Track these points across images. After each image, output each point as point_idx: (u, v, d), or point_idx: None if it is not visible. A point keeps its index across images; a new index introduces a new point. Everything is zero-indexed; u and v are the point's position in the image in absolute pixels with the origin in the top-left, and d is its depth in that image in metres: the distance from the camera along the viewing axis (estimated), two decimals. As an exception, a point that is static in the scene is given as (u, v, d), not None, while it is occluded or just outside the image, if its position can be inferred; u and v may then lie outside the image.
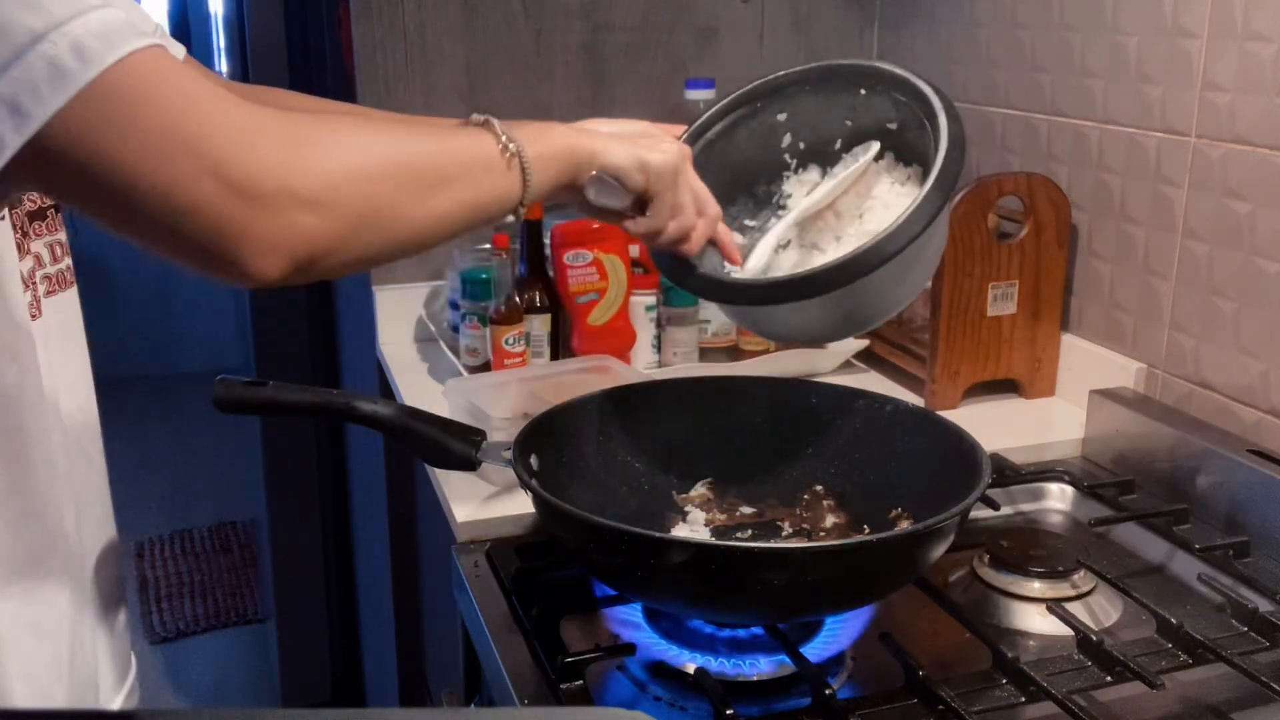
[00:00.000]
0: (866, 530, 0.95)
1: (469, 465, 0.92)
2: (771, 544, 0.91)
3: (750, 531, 0.99)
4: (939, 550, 0.80)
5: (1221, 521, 1.04)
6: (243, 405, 0.93)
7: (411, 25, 1.51)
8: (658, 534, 0.88)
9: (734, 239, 0.91)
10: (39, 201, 0.72)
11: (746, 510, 1.01)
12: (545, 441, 0.92)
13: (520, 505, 1.03)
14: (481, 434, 0.93)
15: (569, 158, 0.78)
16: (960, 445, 0.89)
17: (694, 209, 0.84)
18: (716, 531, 0.98)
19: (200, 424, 3.81)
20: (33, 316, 0.70)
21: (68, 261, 0.76)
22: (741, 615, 0.83)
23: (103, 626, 0.77)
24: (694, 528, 0.98)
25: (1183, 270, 1.16)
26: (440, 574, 1.24)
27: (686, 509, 1.00)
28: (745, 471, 1.01)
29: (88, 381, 0.78)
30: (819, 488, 1.00)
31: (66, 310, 0.75)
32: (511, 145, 0.73)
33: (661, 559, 0.75)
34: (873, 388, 1.20)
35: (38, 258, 0.72)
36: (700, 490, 1.01)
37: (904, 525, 0.91)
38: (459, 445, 0.91)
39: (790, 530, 0.99)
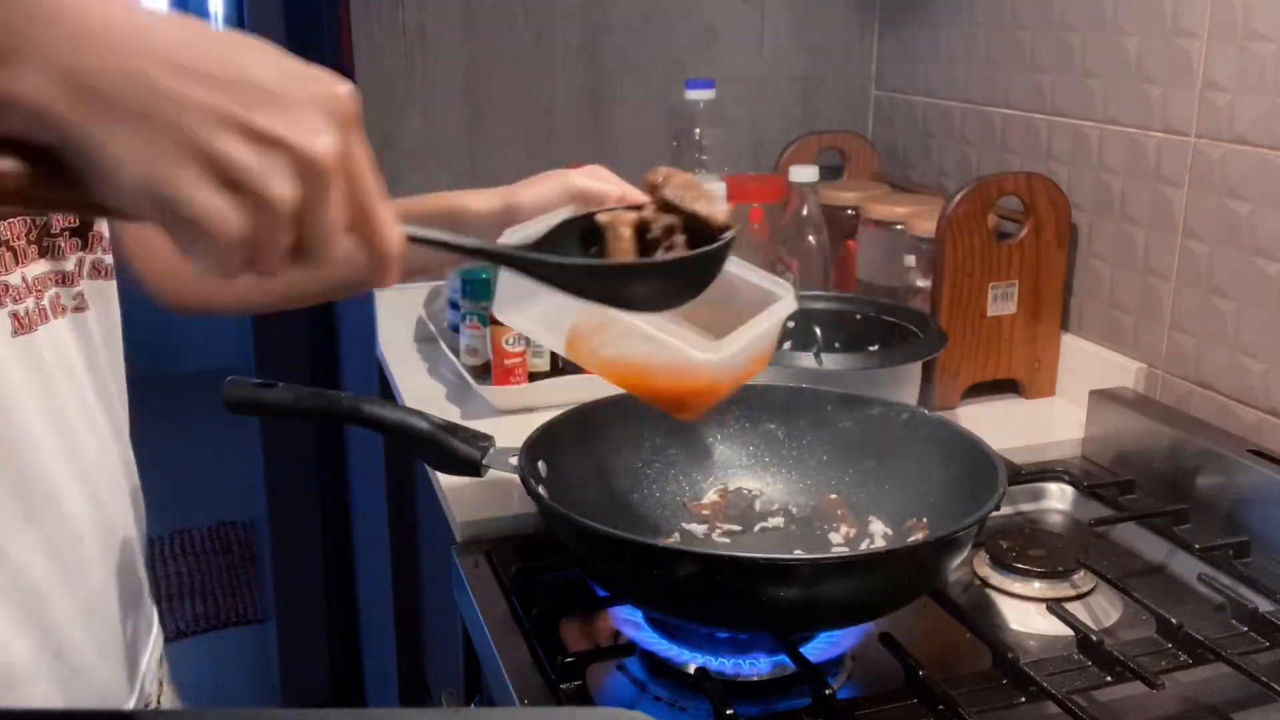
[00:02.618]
0: (881, 541, 0.95)
1: (474, 470, 0.91)
2: (780, 555, 0.91)
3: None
4: (954, 561, 0.80)
5: (1221, 521, 1.04)
6: (251, 406, 0.93)
7: (411, 25, 1.51)
8: (662, 544, 0.88)
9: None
10: None
11: (759, 518, 1.00)
12: (554, 448, 0.91)
13: (520, 505, 1.03)
14: (489, 439, 0.93)
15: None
16: (975, 453, 0.89)
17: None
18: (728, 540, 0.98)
19: (200, 424, 3.81)
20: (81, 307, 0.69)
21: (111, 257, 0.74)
22: (750, 627, 0.83)
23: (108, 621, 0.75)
24: (705, 536, 0.98)
25: (1183, 270, 1.16)
26: (440, 574, 1.24)
27: (697, 516, 1.00)
28: (758, 479, 1.01)
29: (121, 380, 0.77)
30: (834, 496, 0.99)
31: (109, 299, 0.74)
32: None
33: (668, 569, 0.75)
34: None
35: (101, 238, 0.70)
36: (712, 498, 1.01)
37: (919, 535, 0.90)
38: (465, 450, 0.91)
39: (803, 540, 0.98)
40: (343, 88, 0.46)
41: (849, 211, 1.47)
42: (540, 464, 0.88)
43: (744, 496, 1.01)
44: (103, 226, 0.73)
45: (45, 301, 0.67)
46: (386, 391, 1.49)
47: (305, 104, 0.44)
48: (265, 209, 0.43)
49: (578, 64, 1.59)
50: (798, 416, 1.02)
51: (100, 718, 0.72)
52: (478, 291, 1.33)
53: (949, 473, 0.91)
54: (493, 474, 0.99)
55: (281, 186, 0.43)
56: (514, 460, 0.87)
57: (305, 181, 0.44)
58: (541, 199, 0.90)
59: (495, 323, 1.29)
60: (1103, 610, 0.92)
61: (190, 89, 0.42)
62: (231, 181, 0.43)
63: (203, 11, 3.52)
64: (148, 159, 0.42)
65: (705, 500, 1.01)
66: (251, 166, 0.43)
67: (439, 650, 1.46)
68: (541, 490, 0.83)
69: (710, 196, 0.76)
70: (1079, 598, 0.92)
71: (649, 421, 1.00)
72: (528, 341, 1.31)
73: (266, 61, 0.45)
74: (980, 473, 0.86)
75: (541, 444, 0.90)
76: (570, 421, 0.96)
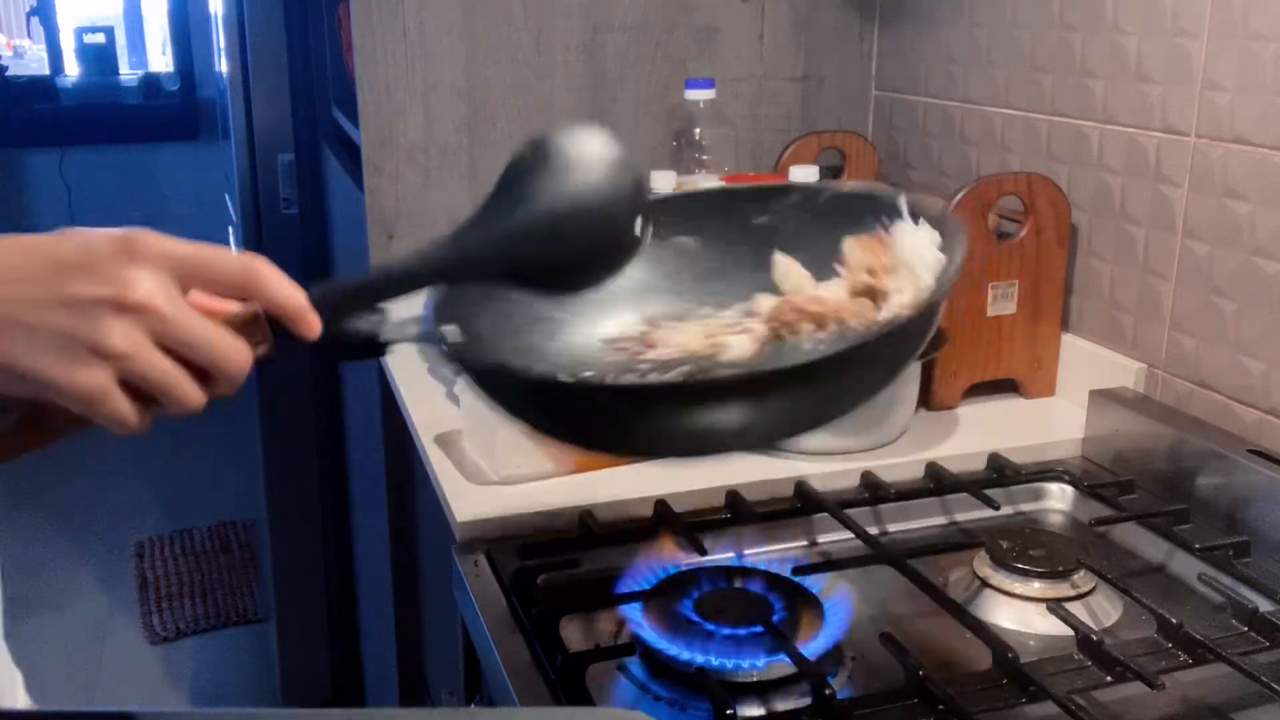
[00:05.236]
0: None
1: (376, 348, 0.71)
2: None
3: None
4: (917, 344, 0.71)
5: (1221, 521, 1.04)
6: None
7: (411, 25, 1.51)
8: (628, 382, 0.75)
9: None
10: None
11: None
12: (461, 309, 0.77)
13: (520, 505, 1.03)
14: (380, 310, 0.72)
15: None
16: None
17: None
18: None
19: (200, 424, 3.80)
20: None
21: None
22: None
23: None
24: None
25: (1183, 270, 1.16)
26: (440, 574, 1.24)
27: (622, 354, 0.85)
28: (682, 301, 0.88)
29: None
30: (762, 300, 0.84)
31: None
32: None
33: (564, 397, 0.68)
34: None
35: None
36: (638, 326, 0.86)
37: None
38: (359, 326, 0.69)
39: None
40: (139, 237, 0.52)
41: (849, 211, 1.47)
42: (449, 329, 0.75)
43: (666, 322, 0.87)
44: None
45: None
46: (387, 391, 1.49)
47: (109, 262, 0.51)
48: (106, 357, 0.50)
49: (578, 64, 1.59)
50: (707, 221, 0.88)
51: (99, 718, 0.72)
52: (478, 291, 1.33)
53: None
54: (488, 469, 0.99)
55: (109, 334, 0.50)
56: (415, 329, 0.72)
57: (132, 321, 0.51)
58: None
59: (495, 323, 1.29)
60: (1103, 610, 0.92)
61: (12, 290, 0.50)
62: (70, 344, 0.50)
63: (203, 11, 3.51)
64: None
65: (630, 335, 0.87)
66: (76, 328, 0.50)
67: (439, 650, 1.46)
68: (455, 344, 0.72)
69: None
70: (1079, 598, 0.92)
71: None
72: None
73: (70, 242, 0.51)
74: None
75: (446, 307, 0.76)
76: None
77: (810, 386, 0.68)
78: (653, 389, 0.70)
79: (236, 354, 0.55)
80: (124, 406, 0.52)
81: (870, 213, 0.82)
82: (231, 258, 0.55)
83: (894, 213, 0.80)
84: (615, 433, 0.69)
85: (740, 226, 0.88)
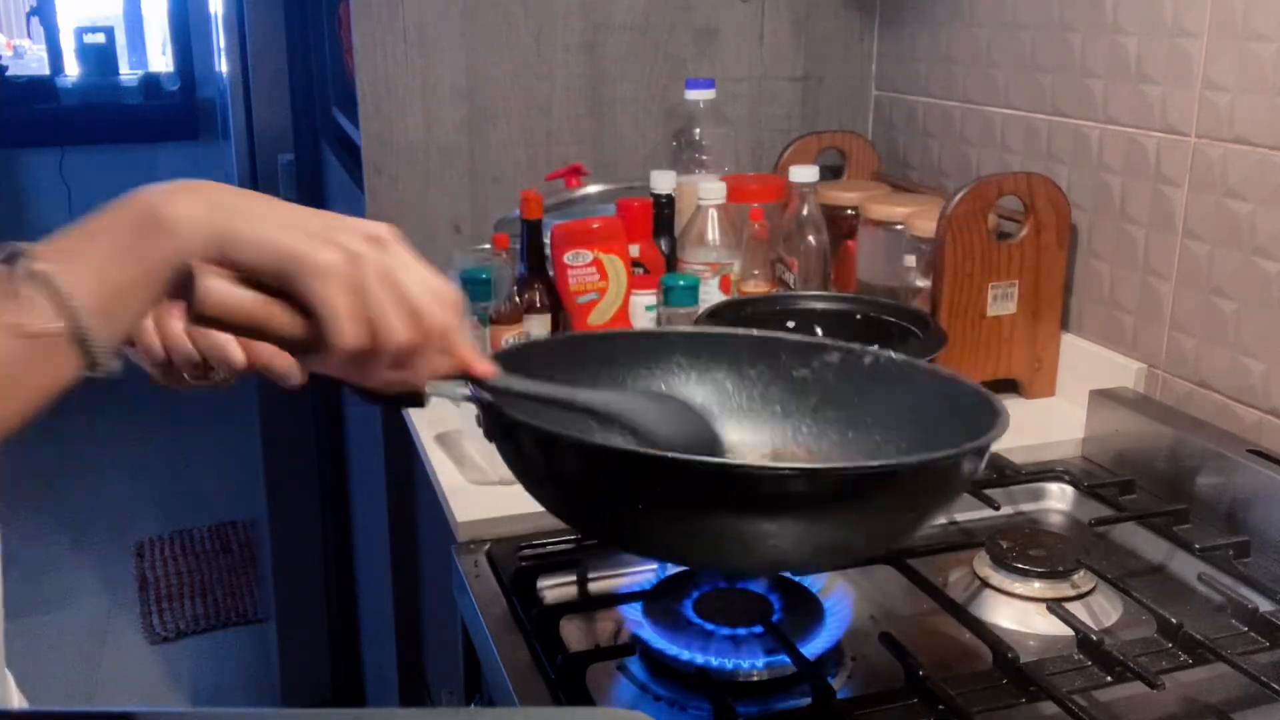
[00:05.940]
0: None
1: (417, 400, 0.76)
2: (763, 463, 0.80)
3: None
4: (948, 495, 0.73)
5: (1221, 521, 1.04)
6: None
7: (411, 25, 1.51)
8: (628, 449, 0.78)
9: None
10: None
11: None
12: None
13: (520, 505, 1.03)
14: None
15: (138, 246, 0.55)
16: (958, 391, 0.81)
17: (403, 315, 0.61)
18: None
19: (200, 424, 3.81)
20: None
21: None
22: (693, 557, 0.76)
23: None
24: None
25: (1183, 270, 1.16)
26: (440, 574, 1.24)
27: None
28: (710, 433, 0.90)
29: None
30: (793, 449, 0.90)
31: None
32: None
33: (645, 477, 0.69)
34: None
35: None
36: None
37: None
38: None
39: None
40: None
41: (849, 211, 1.47)
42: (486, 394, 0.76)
43: (694, 451, 0.87)
44: None
45: None
46: (386, 391, 1.49)
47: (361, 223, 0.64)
48: (345, 251, 0.60)
49: (578, 64, 1.59)
50: (747, 365, 0.91)
51: (99, 718, 0.72)
52: (478, 292, 1.33)
53: (928, 415, 0.83)
54: (486, 468, 0.99)
55: (351, 240, 0.61)
56: (461, 389, 0.76)
57: (369, 244, 0.61)
58: None
59: (495, 322, 1.29)
60: (1103, 610, 0.92)
61: (295, 218, 0.61)
62: (319, 238, 0.60)
63: (203, 11, 3.51)
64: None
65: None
66: (329, 232, 0.60)
67: (439, 650, 1.46)
68: (496, 404, 0.74)
69: None
70: (1079, 598, 0.92)
71: (589, 367, 0.90)
72: (527, 339, 1.31)
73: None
74: (969, 410, 0.77)
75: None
76: (525, 356, 0.86)
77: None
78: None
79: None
80: (349, 298, 0.59)
81: (902, 381, 0.86)
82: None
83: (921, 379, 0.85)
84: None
85: (779, 376, 0.91)
